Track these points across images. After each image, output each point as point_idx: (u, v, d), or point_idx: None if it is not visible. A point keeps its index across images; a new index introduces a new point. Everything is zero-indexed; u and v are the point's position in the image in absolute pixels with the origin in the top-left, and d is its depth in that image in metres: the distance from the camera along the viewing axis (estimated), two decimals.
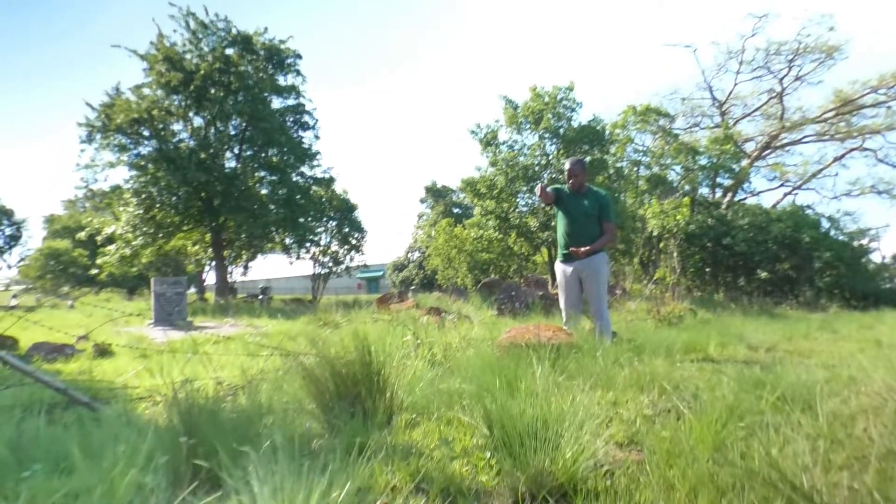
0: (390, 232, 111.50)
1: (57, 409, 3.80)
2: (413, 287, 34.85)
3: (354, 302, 17.10)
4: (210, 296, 25.06)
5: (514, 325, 6.28)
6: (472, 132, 20.44)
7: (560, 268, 6.01)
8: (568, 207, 5.91)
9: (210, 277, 35.81)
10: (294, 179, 22.90)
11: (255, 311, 14.22)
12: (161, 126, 20.31)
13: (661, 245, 17.91)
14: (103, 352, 7.38)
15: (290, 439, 2.64)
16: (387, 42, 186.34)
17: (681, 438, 2.26)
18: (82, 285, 40.81)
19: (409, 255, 50.70)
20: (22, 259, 43.03)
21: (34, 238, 76.09)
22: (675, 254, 15.16)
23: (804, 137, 26.23)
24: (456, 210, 45.74)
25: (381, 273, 57.20)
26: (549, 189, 5.73)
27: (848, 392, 3.08)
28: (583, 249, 5.66)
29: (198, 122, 21.85)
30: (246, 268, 31.09)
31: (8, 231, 41.27)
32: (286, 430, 2.75)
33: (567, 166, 5.97)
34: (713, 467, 1.96)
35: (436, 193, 50.83)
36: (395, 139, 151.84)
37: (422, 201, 52.88)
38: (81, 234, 22.46)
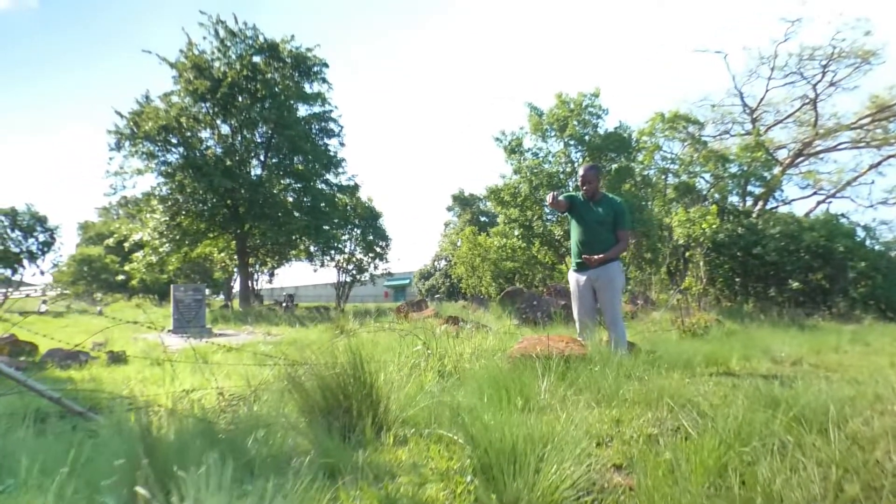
0: (418, 240, 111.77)
1: (51, 418, 3.74)
2: (438, 296, 34.74)
3: (377, 310, 17.03)
4: (236, 302, 25.25)
5: (530, 336, 6.11)
6: (497, 139, 20.32)
7: (573, 277, 5.83)
8: (582, 215, 5.74)
9: (238, 284, 36.31)
10: (319, 187, 22.98)
11: (276, 319, 14.21)
12: (189, 133, 20.54)
13: (688, 254, 17.50)
14: (117, 359, 7.38)
15: (274, 456, 2.54)
16: (416, 49, 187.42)
17: (680, 462, 2.09)
18: (114, 291, 41.46)
19: (436, 263, 50.65)
20: (55, 265, 43.92)
21: (67, 245, 77.75)
22: (701, 263, 14.78)
23: (839, 144, 25.50)
24: (483, 218, 45.61)
25: (407, 281, 57.25)
26: (561, 197, 5.57)
27: (871, 412, 2.85)
28: (596, 257, 5.48)
29: (225, 129, 22.09)
30: (272, 275, 31.30)
31: (41, 237, 42.16)
32: (273, 446, 2.64)
33: (581, 172, 5.81)
34: (709, 496, 1.79)
35: (462, 202, 50.79)
36: (424, 147, 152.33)
37: (448, 209, 52.90)
38: (109, 241, 22.86)
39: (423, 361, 5.64)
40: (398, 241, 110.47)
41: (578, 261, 5.73)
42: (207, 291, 47.79)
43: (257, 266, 28.43)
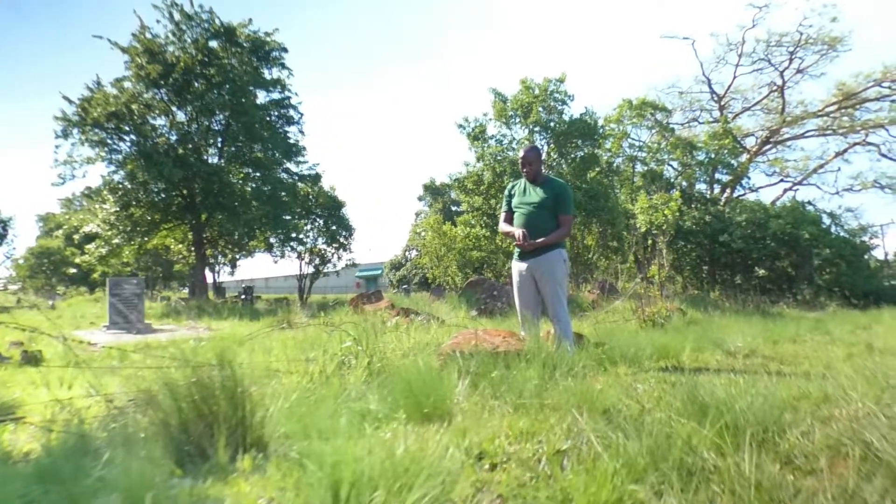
0: (390, 230, 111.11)
1: None
2: (405, 286, 34.24)
3: (336, 302, 16.53)
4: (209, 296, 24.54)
5: (465, 330, 5.68)
6: (460, 126, 19.85)
7: (515, 266, 5.40)
8: (522, 200, 5.31)
9: (210, 277, 35.43)
10: (279, 176, 22.30)
11: (226, 313, 13.64)
12: (140, 121, 19.70)
13: (649, 242, 17.27)
14: (31, 359, 6.80)
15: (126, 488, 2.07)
16: (383, 39, 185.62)
17: (571, 496, 1.67)
18: (77, 284, 40.33)
19: (407, 253, 50.19)
20: (8, 258, 42.52)
21: (22, 237, 75.73)
22: (663, 251, 14.53)
23: (806, 132, 25.49)
24: (455, 208, 45.15)
25: (379, 272, 56.77)
26: (510, 229, 5.28)
27: (814, 419, 2.47)
28: (530, 242, 5.05)
29: (181, 116, 21.28)
30: (234, 267, 30.51)
31: None
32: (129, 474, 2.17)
33: (521, 153, 5.37)
34: None
35: (434, 191, 50.34)
36: (395, 137, 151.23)
37: (420, 199, 52.39)
38: (58, 233, 21.97)
39: (352, 359, 5.21)
40: (371, 232, 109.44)
41: (519, 249, 5.31)
42: (176, 284, 46.84)
43: (218, 258, 27.62)
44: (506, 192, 5.53)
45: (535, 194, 5.24)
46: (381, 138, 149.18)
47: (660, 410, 2.86)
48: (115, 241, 19.68)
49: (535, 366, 4.37)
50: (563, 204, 5.22)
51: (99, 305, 25.07)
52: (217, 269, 31.94)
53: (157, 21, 20.61)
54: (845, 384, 3.18)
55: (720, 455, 2.01)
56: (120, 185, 19.57)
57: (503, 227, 5.36)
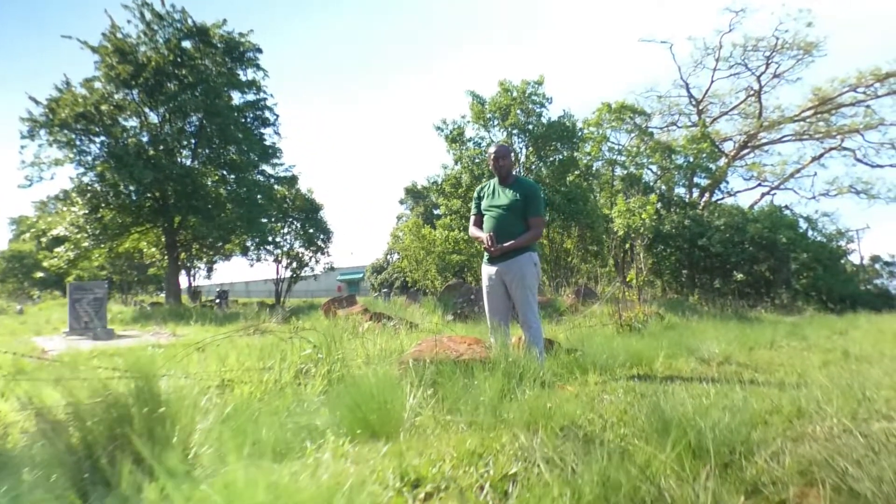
0: (372, 234, 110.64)
1: None
2: (385, 290, 33.91)
3: (310, 306, 16.23)
4: (185, 299, 24.05)
5: (429, 337, 5.45)
6: (438, 129, 19.65)
7: (484, 270, 5.17)
8: (491, 203, 5.10)
9: (186, 281, 34.82)
10: (254, 178, 21.91)
11: (194, 318, 13.29)
12: (110, 122, 19.24)
13: (626, 245, 17.17)
14: None
15: None
16: (364, 42, 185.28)
17: None
18: (51, 288, 39.48)
19: (388, 257, 49.89)
20: None
21: None
22: (641, 254, 14.43)
23: (783, 137, 25.68)
24: (437, 211, 44.96)
25: (361, 275, 56.54)
26: (477, 231, 5.08)
27: (785, 438, 2.28)
28: (498, 246, 4.84)
29: (154, 118, 20.83)
30: (210, 270, 30.00)
31: None
32: None
33: (493, 150, 5.13)
34: None
35: (415, 195, 50.05)
36: (379, 140, 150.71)
37: (401, 202, 52.09)
38: (26, 236, 21.41)
39: (312, 367, 4.98)
40: (353, 235, 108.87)
41: (488, 253, 5.09)
42: (153, 288, 46.06)
43: (193, 261, 27.13)
44: (475, 195, 5.31)
45: (505, 196, 5.03)
46: (365, 141, 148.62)
47: (623, 426, 2.67)
48: (84, 244, 19.20)
49: (499, 375, 4.18)
50: (533, 205, 5.00)
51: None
52: (193, 272, 31.50)
53: (128, 21, 20.24)
54: (820, 397, 3.01)
55: (679, 482, 1.81)
56: (89, 188, 19.08)
57: (472, 231, 5.14)
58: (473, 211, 5.23)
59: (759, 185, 25.96)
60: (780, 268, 18.32)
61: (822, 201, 27.09)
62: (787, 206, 22.90)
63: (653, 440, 2.22)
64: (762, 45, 24.72)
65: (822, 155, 24.68)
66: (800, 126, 24.96)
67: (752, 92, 25.93)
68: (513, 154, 5.41)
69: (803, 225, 20.20)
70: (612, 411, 3.06)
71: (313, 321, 11.02)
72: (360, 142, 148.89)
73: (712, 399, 3.02)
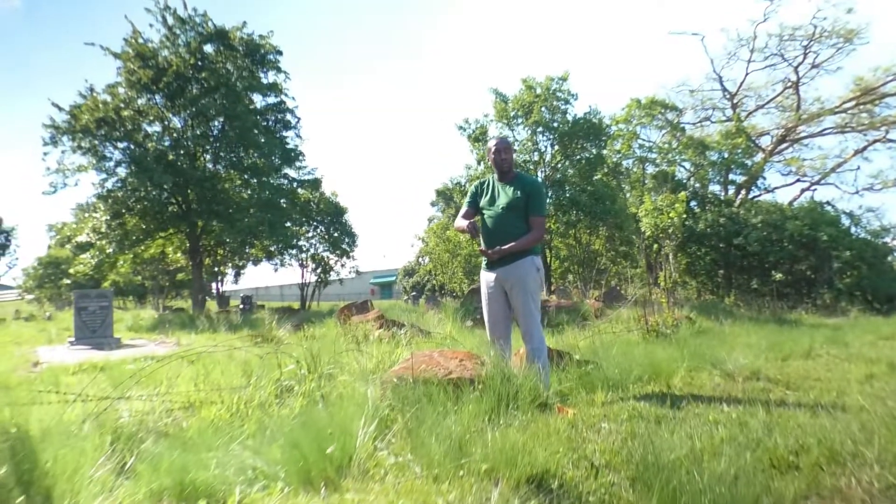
0: (406, 236, 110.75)
1: None
2: (415, 293, 33.48)
3: (331, 311, 15.91)
4: (213, 305, 24.04)
5: (420, 351, 4.99)
6: (461, 128, 19.20)
7: (483, 277, 4.70)
8: (489, 201, 4.62)
9: (222, 285, 34.94)
10: (277, 182, 21.74)
11: (208, 325, 13.04)
12: (131, 126, 19.23)
13: (654, 247, 16.46)
14: None
15: None
16: (393, 43, 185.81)
17: None
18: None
19: (420, 260, 49.58)
20: (10, 268, 42.42)
21: (29, 246, 76.69)
22: (670, 255, 13.74)
23: (823, 130, 24.50)
24: None
25: (393, 279, 56.67)
26: (467, 223, 4.56)
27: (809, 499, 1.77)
28: (496, 249, 4.37)
29: (177, 122, 20.80)
30: (238, 275, 30.00)
31: None
32: None
33: (494, 144, 4.65)
34: None
35: (446, 196, 49.54)
36: (411, 142, 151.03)
37: (433, 205, 51.65)
38: (52, 242, 21.62)
39: (296, 384, 4.60)
40: (387, 238, 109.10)
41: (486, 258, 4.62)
42: (186, 293, 46.48)
43: (218, 266, 27.09)
44: (471, 190, 4.83)
45: (505, 194, 4.54)
46: (398, 143, 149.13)
47: (610, 471, 2.18)
48: (108, 250, 19.23)
49: (489, 397, 3.72)
50: (536, 203, 4.50)
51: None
52: (222, 277, 31.54)
53: (150, 25, 20.22)
54: (858, 431, 2.46)
55: None
56: (111, 194, 19.11)
57: (458, 222, 4.58)
58: (466, 203, 4.76)
59: (799, 180, 24.82)
60: (821, 267, 17.42)
61: (866, 196, 25.88)
62: (828, 202, 21.79)
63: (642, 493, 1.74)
64: (799, 35, 23.62)
65: (865, 148, 23.49)
66: (841, 118, 23.78)
67: (789, 84, 24.83)
68: (515, 152, 4.93)
69: (846, 221, 19.22)
70: (604, 449, 2.57)
71: (326, 329, 10.70)
72: (394, 144, 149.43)
73: (726, 432, 2.52)
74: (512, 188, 4.53)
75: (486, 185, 4.72)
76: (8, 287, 49.21)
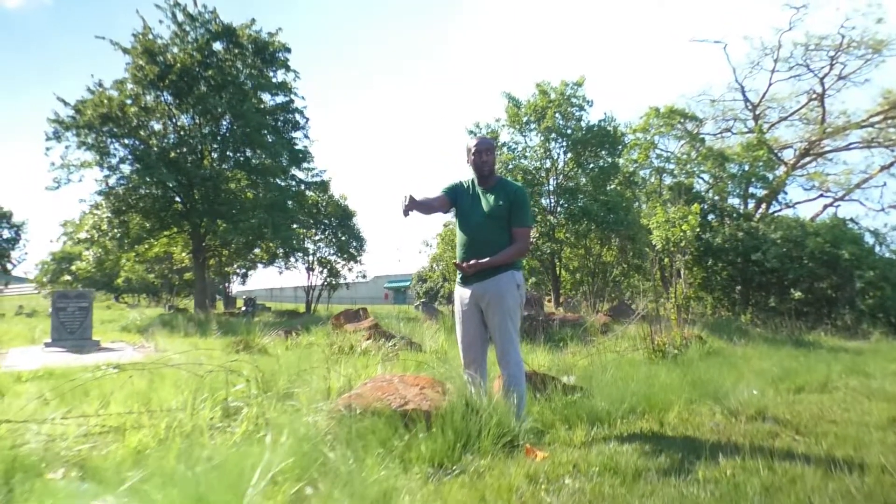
0: (422, 241, 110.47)
1: None
2: (424, 300, 33.00)
3: (329, 317, 15.46)
4: (220, 305, 23.76)
5: (378, 376, 4.49)
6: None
7: (457, 293, 4.17)
8: (467, 207, 4.10)
9: (233, 286, 34.83)
10: (284, 183, 21.38)
11: (199, 328, 12.66)
12: (136, 123, 18.98)
13: (665, 261, 15.85)
14: None
15: None
16: (410, 50, 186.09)
17: None
18: (103, 290, 40.12)
19: (434, 265, 49.24)
20: (18, 263, 42.72)
21: (38, 241, 77.37)
22: (681, 270, 13.13)
23: (849, 144, 23.70)
24: None
25: (407, 283, 56.55)
26: (441, 191, 4.02)
27: None
28: (472, 263, 3.84)
29: (184, 120, 20.54)
30: (245, 277, 29.72)
31: (6, 234, 40.76)
32: None
33: (475, 144, 4.10)
34: None
35: None
36: (425, 145, 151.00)
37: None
38: (53, 239, 21.45)
39: (245, 407, 4.09)
40: (403, 242, 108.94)
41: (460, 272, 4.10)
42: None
43: (223, 267, 26.79)
44: (452, 183, 4.26)
45: (486, 201, 4.01)
46: (414, 146, 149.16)
47: None
48: (109, 246, 19.00)
49: (445, 436, 3.21)
50: (521, 213, 3.96)
51: (108, 313, 24.51)
52: (230, 278, 31.33)
53: (160, 21, 20.02)
54: None
55: None
56: (113, 190, 18.87)
57: (420, 197, 3.89)
58: (443, 189, 4.19)
59: (822, 195, 24.04)
60: (843, 286, 16.71)
61: (893, 214, 24.97)
62: (852, 219, 21.01)
63: None
64: (826, 44, 22.88)
65: (892, 164, 22.67)
66: (867, 132, 22.98)
67: (814, 95, 24.07)
68: (497, 152, 4.39)
69: (870, 239, 18.50)
70: None
71: (315, 336, 10.24)
72: (407, 146, 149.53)
73: (713, 501, 2.00)
74: (493, 195, 3.99)
75: (465, 187, 4.19)
76: (22, 279, 49.76)
